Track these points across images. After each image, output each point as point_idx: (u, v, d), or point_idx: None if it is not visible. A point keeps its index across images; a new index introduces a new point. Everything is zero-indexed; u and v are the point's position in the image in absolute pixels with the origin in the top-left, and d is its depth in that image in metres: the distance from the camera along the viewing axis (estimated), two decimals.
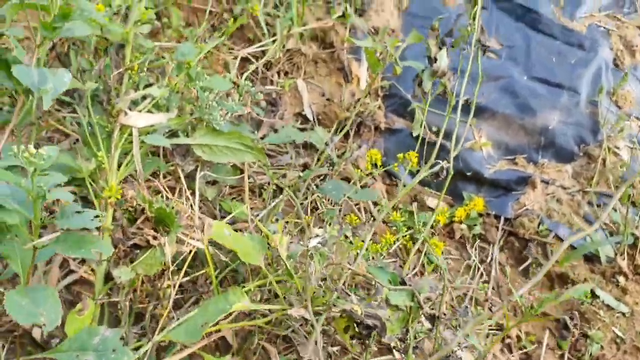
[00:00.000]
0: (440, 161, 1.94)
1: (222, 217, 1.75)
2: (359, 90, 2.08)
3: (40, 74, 1.10)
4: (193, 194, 1.65)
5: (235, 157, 1.57)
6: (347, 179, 1.97)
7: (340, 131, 2.05)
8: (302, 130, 2.07)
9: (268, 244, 1.36)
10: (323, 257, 1.26)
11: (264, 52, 2.18)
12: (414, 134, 1.94)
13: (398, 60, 1.54)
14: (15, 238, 1.00)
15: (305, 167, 1.83)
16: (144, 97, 1.50)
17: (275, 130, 2.01)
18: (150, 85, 1.56)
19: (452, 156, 1.48)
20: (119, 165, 1.47)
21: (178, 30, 2.23)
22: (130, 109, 1.49)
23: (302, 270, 1.30)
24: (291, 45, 2.17)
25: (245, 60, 2.27)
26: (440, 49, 1.34)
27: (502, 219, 1.84)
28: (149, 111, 1.51)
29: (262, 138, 1.99)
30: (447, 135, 1.95)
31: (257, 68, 2.16)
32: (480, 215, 1.88)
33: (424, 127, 1.96)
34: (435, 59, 1.31)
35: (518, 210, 1.82)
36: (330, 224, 1.43)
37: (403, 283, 1.32)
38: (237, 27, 2.33)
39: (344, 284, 1.35)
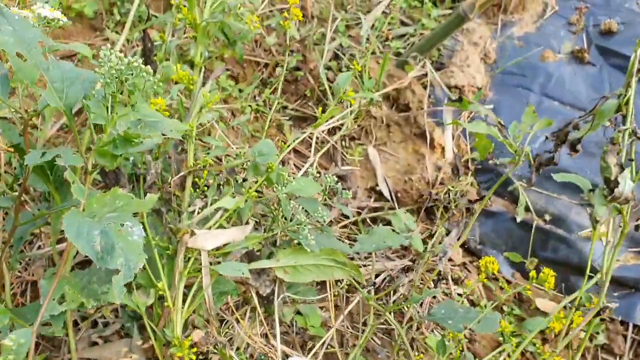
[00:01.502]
0: (550, 252, 1.64)
1: (298, 335, 1.45)
2: (443, 161, 1.76)
3: (104, 235, 0.78)
4: (263, 311, 1.34)
5: (324, 275, 1.26)
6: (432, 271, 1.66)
7: (424, 212, 1.74)
8: (377, 210, 1.76)
9: None
10: None
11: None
12: (518, 220, 1.63)
13: (530, 153, 1.23)
14: None
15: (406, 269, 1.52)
16: (215, 210, 1.19)
17: (346, 216, 1.70)
18: (218, 187, 1.25)
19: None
20: (184, 298, 1.16)
21: (225, 88, 1.92)
22: (196, 224, 1.17)
23: None
24: (355, 105, 1.85)
25: (300, 120, 1.96)
26: (622, 169, 1.02)
27: (631, 325, 1.53)
28: (220, 225, 1.20)
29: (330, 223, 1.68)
30: (557, 220, 1.64)
31: (313, 135, 1.85)
32: (603, 320, 1.56)
33: (530, 210, 1.65)
34: (617, 182, 1.00)
35: None
36: None
37: None
38: (288, 79, 2.03)
39: None
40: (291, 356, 1.25)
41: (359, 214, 1.73)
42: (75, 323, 1.39)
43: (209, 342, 1.12)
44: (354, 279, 1.36)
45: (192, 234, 1.15)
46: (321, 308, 1.57)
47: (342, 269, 1.27)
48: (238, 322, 1.27)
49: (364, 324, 1.57)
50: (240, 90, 1.94)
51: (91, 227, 0.81)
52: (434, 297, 1.60)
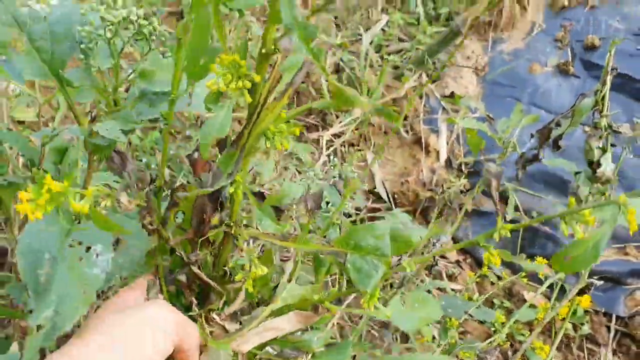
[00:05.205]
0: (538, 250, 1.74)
1: None
2: (437, 165, 1.88)
3: (52, 263, 0.54)
4: None
5: None
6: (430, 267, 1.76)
7: (420, 213, 1.84)
8: (374, 210, 1.86)
9: None
10: None
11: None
12: (508, 218, 1.73)
13: (517, 145, 1.34)
14: None
15: None
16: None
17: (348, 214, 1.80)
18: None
19: None
20: None
21: None
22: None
23: None
24: (357, 114, 1.98)
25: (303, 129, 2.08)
26: (604, 152, 1.13)
27: (614, 317, 1.62)
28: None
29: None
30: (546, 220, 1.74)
31: (318, 138, 1.97)
32: (587, 312, 1.65)
33: (519, 210, 1.75)
34: (599, 164, 1.11)
35: (633, 308, 1.60)
36: None
37: None
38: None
39: None
40: None
41: (357, 214, 1.84)
42: None
43: None
44: None
45: (225, 330, 0.70)
46: None
47: None
48: None
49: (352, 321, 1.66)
50: None
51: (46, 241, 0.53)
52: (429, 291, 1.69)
